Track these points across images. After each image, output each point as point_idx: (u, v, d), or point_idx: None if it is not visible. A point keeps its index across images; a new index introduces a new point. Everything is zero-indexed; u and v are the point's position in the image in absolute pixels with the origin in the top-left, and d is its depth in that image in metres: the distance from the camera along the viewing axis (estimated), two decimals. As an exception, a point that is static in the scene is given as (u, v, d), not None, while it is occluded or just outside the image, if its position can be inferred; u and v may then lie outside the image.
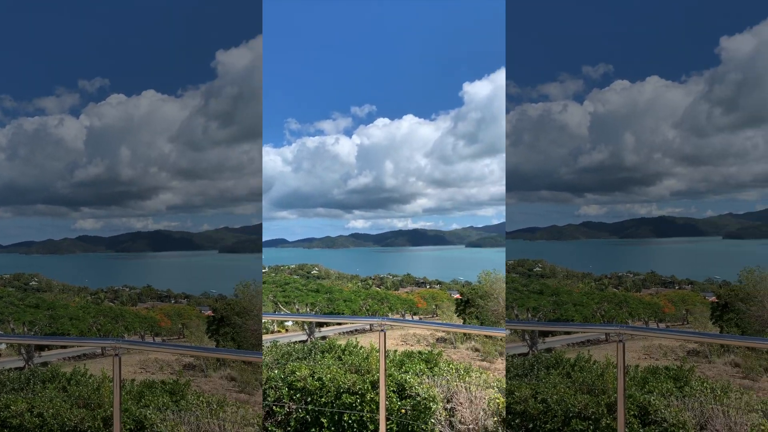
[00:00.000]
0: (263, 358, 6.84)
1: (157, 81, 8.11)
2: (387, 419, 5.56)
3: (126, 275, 8.58)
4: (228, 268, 8.48)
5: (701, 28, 6.63)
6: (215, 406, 5.60)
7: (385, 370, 5.27)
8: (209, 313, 7.21)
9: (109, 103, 8.46)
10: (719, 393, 5.07)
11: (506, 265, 5.98)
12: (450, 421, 5.91)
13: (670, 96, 6.93)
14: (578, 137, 6.39)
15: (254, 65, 7.11)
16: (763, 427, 4.73)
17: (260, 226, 6.76)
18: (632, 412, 5.05)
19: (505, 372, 5.64)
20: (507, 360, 5.45)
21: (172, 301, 7.73)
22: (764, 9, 6.83)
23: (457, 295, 18.89)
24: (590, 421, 5.10)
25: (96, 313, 7.81)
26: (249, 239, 7.85)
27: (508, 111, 5.84)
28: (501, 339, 13.06)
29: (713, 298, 6.69)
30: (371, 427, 5.80)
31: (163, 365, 6.52)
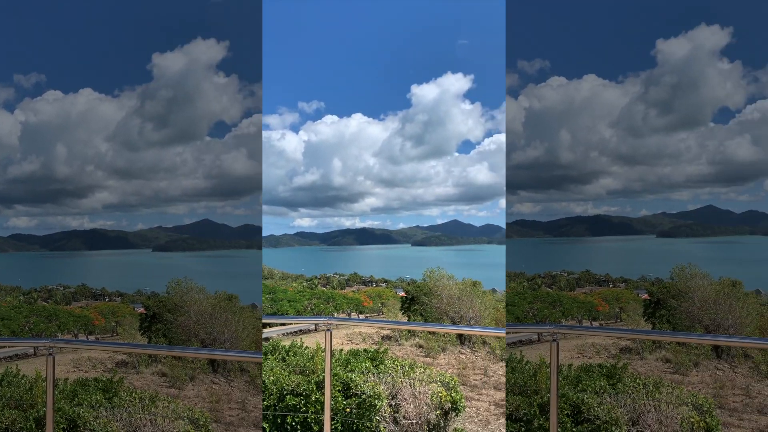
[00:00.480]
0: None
1: (94, 80, 8.09)
2: (332, 419, 5.53)
3: (60, 274, 8.47)
4: (161, 266, 8.57)
5: (638, 30, 6.86)
6: (147, 402, 5.60)
7: (331, 369, 5.24)
8: (142, 310, 7.23)
9: (45, 99, 8.31)
10: (651, 388, 5.25)
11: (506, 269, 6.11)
12: (394, 417, 5.94)
13: (607, 95, 7.17)
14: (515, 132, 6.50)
15: (189, 69, 7.33)
16: (692, 419, 4.94)
17: (260, 228, 6.86)
18: (565, 411, 5.15)
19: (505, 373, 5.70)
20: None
21: (107, 300, 7.67)
22: (699, 14, 7.16)
23: (403, 293, 19.02)
24: (522, 423, 5.19)
25: (29, 312, 7.68)
26: (181, 238, 8.02)
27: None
28: (444, 335, 13.27)
29: (646, 296, 6.93)
30: (315, 428, 5.76)
31: (96, 363, 6.47)
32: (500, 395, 9.33)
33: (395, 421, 5.93)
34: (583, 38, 6.47)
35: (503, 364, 11.79)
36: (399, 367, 6.41)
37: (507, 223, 6.40)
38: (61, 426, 5.38)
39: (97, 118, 8.18)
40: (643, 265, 7.73)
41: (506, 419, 5.24)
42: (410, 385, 6.06)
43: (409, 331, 13.83)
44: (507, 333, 4.85)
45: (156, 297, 7.25)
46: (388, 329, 15.77)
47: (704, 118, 7.76)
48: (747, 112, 7.84)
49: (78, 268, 9.02)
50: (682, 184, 7.64)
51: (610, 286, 6.90)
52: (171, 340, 6.96)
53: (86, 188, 8.29)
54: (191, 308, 6.93)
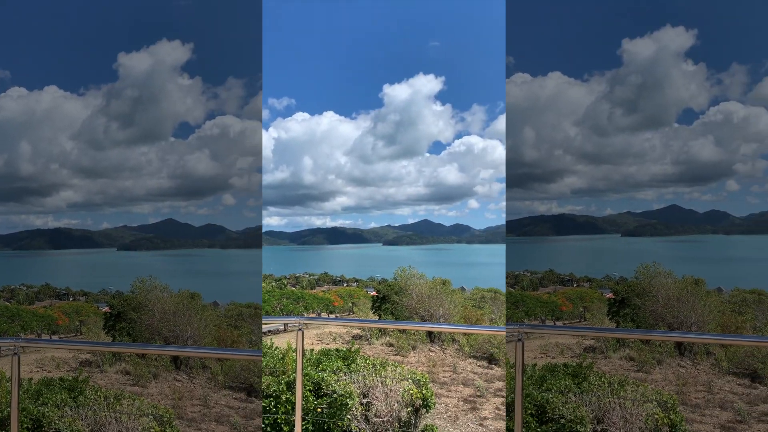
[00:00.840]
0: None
1: (59, 77, 8.03)
2: (303, 419, 5.51)
3: (24, 273, 8.34)
4: (126, 265, 8.56)
5: (604, 29, 6.92)
6: (112, 400, 5.59)
7: (302, 369, 5.22)
8: (106, 309, 7.19)
9: (9, 95, 8.18)
10: (616, 386, 5.32)
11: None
12: (366, 415, 5.94)
13: (573, 93, 7.23)
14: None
15: (154, 69, 7.35)
16: (657, 416, 5.04)
17: (260, 227, 6.90)
18: (529, 411, 5.17)
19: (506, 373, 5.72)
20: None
21: (71, 299, 7.59)
22: (664, 16, 7.26)
23: (374, 292, 19.04)
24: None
25: (-9, 312, 7.53)
26: (145, 237, 8.02)
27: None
28: (414, 333, 13.32)
29: (610, 295, 7.01)
30: (286, 429, 5.74)
31: (60, 363, 6.43)
32: (468, 391, 9.42)
33: (367, 420, 5.94)
34: (549, 36, 6.50)
35: (472, 360, 11.90)
36: (371, 366, 6.41)
37: (507, 222, 6.46)
38: (26, 426, 5.31)
39: (62, 116, 8.09)
40: (608, 264, 7.83)
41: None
42: (382, 383, 6.08)
43: (380, 329, 13.86)
44: (507, 332, 4.88)
45: (120, 296, 7.20)
46: (359, 328, 15.79)
47: (669, 119, 7.85)
48: (710, 114, 7.96)
49: (42, 267, 8.86)
50: (647, 183, 7.74)
51: (574, 285, 6.97)
52: (135, 338, 6.94)
53: (51, 187, 8.18)
54: (155, 306, 6.91)
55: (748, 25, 7.44)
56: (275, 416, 5.77)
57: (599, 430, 5.14)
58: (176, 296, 6.96)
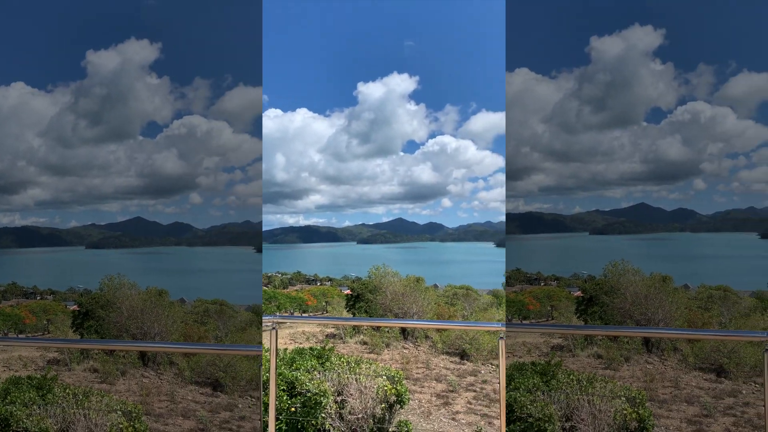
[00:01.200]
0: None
1: (27, 73, 7.90)
2: (276, 419, 5.49)
3: None
4: (94, 263, 8.53)
5: (573, 26, 6.92)
6: (81, 397, 5.59)
7: (276, 369, 5.20)
8: (74, 307, 7.17)
9: None
10: (585, 384, 5.39)
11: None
12: (340, 413, 5.94)
13: (540, 90, 7.18)
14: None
15: (123, 68, 7.32)
16: (626, 411, 5.11)
17: (260, 224, 6.88)
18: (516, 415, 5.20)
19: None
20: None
21: (38, 298, 7.52)
22: (633, 14, 7.29)
23: (348, 291, 19.03)
24: None
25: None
26: (114, 236, 8.02)
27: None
28: (388, 331, 13.35)
29: (578, 293, 7.07)
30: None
31: (27, 362, 6.43)
32: (441, 387, 9.49)
33: (341, 417, 5.94)
34: (517, 32, 6.48)
35: (445, 356, 11.97)
36: (345, 364, 6.41)
37: (507, 220, 6.48)
38: (-7, 424, 5.26)
39: (30, 112, 7.99)
40: (576, 263, 7.89)
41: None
42: (356, 381, 6.09)
43: (354, 327, 13.86)
44: (507, 329, 4.91)
45: (89, 294, 7.17)
46: (333, 327, 15.74)
47: (637, 117, 7.90)
48: (678, 113, 8.04)
49: (8, 266, 8.70)
50: (615, 181, 7.79)
51: (542, 284, 7.00)
52: (103, 335, 6.95)
53: (18, 184, 8.06)
54: (123, 304, 6.94)
55: (715, 26, 7.55)
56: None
57: (568, 427, 5.19)
58: (144, 294, 7.01)
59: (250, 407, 5.90)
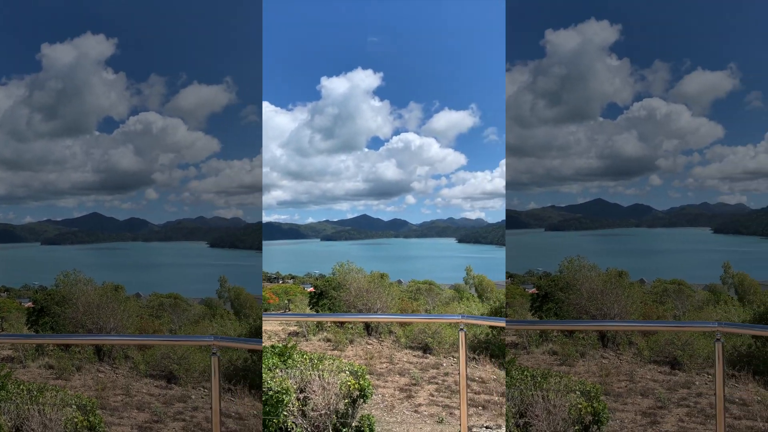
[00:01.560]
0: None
1: None
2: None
3: None
4: (49, 259, 8.42)
5: (528, 20, 6.69)
6: (35, 393, 5.49)
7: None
8: (29, 304, 7.10)
9: None
10: (539, 379, 5.43)
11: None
12: (302, 410, 5.92)
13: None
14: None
15: (78, 62, 7.26)
16: (581, 405, 5.16)
17: (260, 223, 6.75)
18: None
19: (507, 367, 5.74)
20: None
21: None
22: (589, 9, 7.23)
23: (311, 289, 18.93)
24: None
25: None
26: (70, 231, 7.94)
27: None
28: (351, 327, 13.35)
29: (533, 290, 7.01)
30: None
31: None
32: (404, 380, 9.55)
33: (304, 415, 5.92)
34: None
35: (408, 351, 12.04)
36: (308, 361, 6.39)
37: (507, 217, 6.45)
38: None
39: (-17, 106, 7.77)
40: (531, 260, 7.82)
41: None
42: (319, 377, 6.07)
43: (317, 325, 13.81)
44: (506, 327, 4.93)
45: (44, 291, 7.12)
46: (295, 324, 15.66)
47: (593, 112, 7.83)
48: (634, 109, 8.07)
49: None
50: (572, 177, 7.74)
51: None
52: (59, 332, 6.85)
53: (-31, 179, 7.83)
54: (79, 300, 6.88)
55: (670, 24, 7.61)
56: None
57: (521, 423, 5.24)
58: (100, 289, 6.99)
59: (202, 398, 5.90)
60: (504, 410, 5.34)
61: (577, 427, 5.09)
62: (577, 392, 5.20)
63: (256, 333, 6.71)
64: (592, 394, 5.19)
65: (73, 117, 7.54)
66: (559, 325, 6.54)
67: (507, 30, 5.85)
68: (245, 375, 6.15)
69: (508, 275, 6.74)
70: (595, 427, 5.11)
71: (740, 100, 8.59)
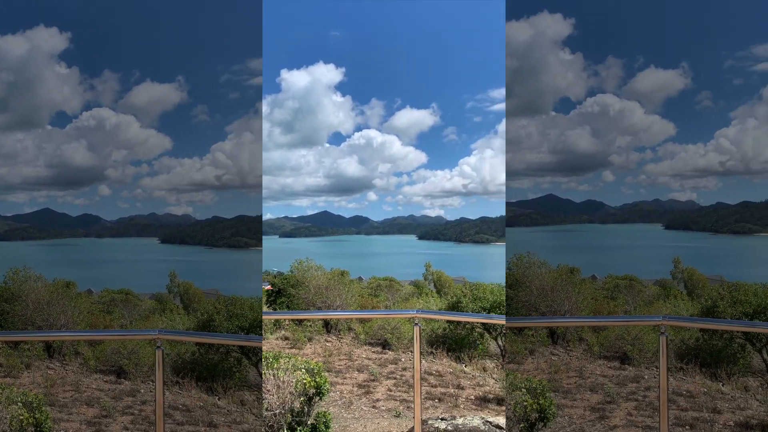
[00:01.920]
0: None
1: None
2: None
3: None
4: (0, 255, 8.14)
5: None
6: None
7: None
8: None
9: None
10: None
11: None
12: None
13: None
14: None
15: (30, 55, 7.10)
16: (526, 403, 5.08)
17: (260, 218, 6.67)
18: None
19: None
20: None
21: None
22: (541, 2, 6.96)
23: (268, 287, 18.78)
24: None
25: None
26: (21, 227, 7.79)
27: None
28: (310, 324, 13.32)
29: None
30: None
31: None
32: (363, 377, 9.59)
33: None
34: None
35: (367, 347, 12.08)
36: (263, 360, 6.35)
37: (507, 214, 6.42)
38: None
39: (-70, 99, 7.52)
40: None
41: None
42: (274, 376, 6.04)
43: (275, 323, 13.72)
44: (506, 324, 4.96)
45: None
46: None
47: (546, 107, 7.70)
48: (587, 105, 7.98)
49: None
50: (523, 172, 7.45)
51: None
52: (7, 329, 6.73)
53: None
54: (29, 297, 6.78)
55: (624, 20, 7.59)
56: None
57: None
58: (51, 286, 6.89)
59: (151, 391, 5.87)
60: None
61: (522, 425, 5.11)
62: (523, 389, 5.20)
63: (204, 327, 6.68)
64: (538, 391, 5.18)
65: (24, 110, 7.35)
66: (558, 322, 6.58)
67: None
68: (193, 368, 6.11)
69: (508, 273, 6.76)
70: (541, 423, 5.12)
71: (691, 99, 8.69)
